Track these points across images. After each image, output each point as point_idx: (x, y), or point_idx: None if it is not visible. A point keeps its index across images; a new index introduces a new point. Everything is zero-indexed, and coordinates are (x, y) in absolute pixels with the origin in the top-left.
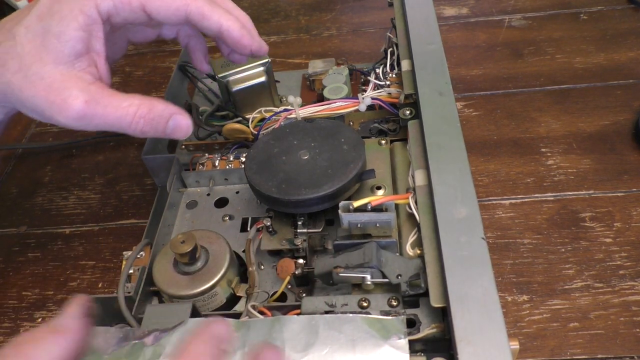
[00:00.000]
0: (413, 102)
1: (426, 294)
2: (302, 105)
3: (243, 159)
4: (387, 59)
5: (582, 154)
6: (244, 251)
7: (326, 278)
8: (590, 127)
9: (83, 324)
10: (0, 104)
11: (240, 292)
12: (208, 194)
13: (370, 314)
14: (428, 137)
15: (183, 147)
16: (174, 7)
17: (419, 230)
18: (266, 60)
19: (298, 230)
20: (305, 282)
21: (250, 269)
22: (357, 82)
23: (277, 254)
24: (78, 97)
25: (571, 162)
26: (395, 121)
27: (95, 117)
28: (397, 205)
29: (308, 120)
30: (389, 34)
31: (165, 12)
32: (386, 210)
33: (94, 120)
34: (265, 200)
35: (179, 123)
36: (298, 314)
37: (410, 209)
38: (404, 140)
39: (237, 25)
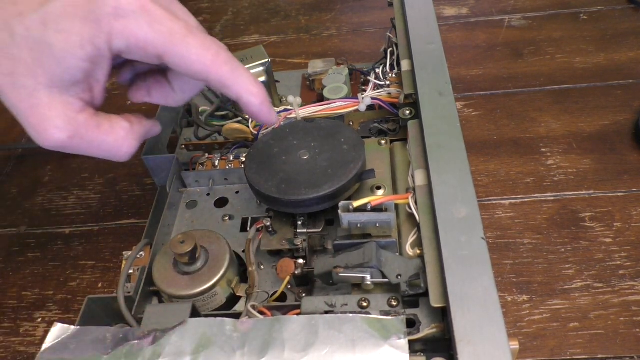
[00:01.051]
0: (413, 102)
1: (426, 294)
2: (302, 105)
3: (243, 159)
4: (387, 59)
5: (582, 154)
6: (244, 251)
7: (326, 278)
8: (590, 127)
9: None
10: None
11: (240, 292)
12: (208, 194)
13: (370, 314)
14: (428, 137)
15: (183, 147)
16: (193, 70)
17: (418, 230)
18: (266, 60)
19: (298, 230)
20: (305, 282)
21: (250, 269)
22: (357, 82)
23: (277, 254)
24: (62, 130)
25: (571, 162)
26: (395, 121)
27: (75, 149)
28: (397, 205)
29: (308, 120)
30: (389, 34)
31: (184, 71)
32: (386, 210)
33: (72, 151)
34: (265, 200)
35: (155, 132)
36: (298, 314)
37: (410, 209)
38: (404, 140)
39: (257, 102)
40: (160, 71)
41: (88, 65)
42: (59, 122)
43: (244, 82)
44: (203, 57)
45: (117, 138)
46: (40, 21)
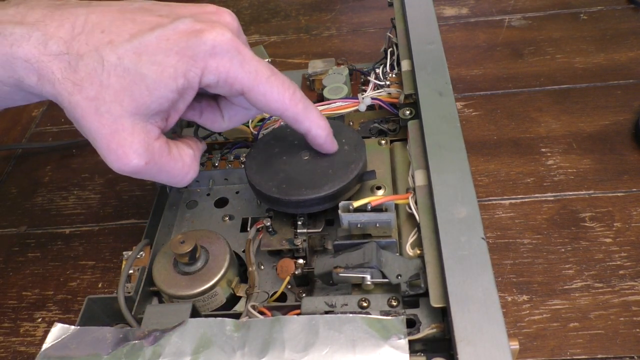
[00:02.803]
0: (413, 102)
1: (426, 294)
2: None
3: (243, 159)
4: (387, 59)
5: (582, 154)
6: (244, 251)
7: (326, 278)
8: (590, 127)
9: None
10: (38, 95)
11: (240, 292)
12: (208, 194)
13: (370, 314)
14: (428, 137)
15: None
16: (272, 107)
17: (419, 230)
18: (266, 60)
19: (298, 231)
20: (305, 282)
21: (250, 269)
22: (357, 82)
23: (277, 254)
24: (141, 156)
25: (571, 162)
26: (395, 121)
27: (148, 175)
28: (397, 205)
29: None
30: (389, 34)
31: (262, 107)
32: (386, 210)
33: (145, 176)
34: (266, 200)
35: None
36: (298, 314)
37: (410, 209)
38: (404, 140)
39: (324, 134)
40: (213, 97)
41: (177, 96)
42: (138, 148)
43: (313, 117)
44: (282, 96)
45: (184, 164)
46: (134, 52)
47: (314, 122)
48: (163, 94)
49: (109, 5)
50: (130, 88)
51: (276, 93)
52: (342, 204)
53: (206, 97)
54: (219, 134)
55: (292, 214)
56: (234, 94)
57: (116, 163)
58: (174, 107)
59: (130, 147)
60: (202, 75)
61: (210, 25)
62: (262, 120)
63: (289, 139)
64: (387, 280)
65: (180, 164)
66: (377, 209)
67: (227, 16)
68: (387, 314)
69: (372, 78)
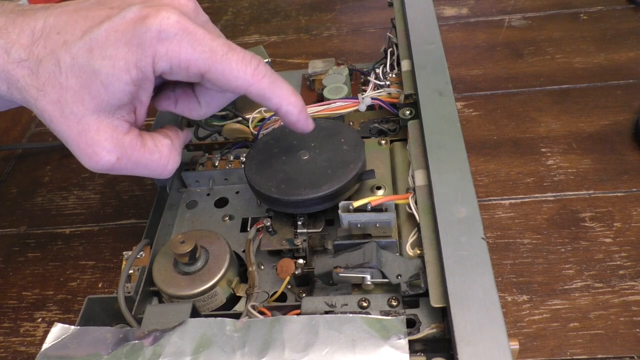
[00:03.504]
0: (413, 102)
1: (426, 294)
2: None
3: (243, 159)
4: (387, 59)
5: (582, 154)
6: (244, 251)
7: (326, 278)
8: (590, 127)
9: None
10: (13, 102)
11: (240, 292)
12: (208, 194)
13: (370, 314)
14: (428, 137)
15: None
16: (234, 85)
17: (419, 230)
18: (266, 60)
19: (298, 230)
20: (305, 282)
21: (250, 269)
22: (357, 82)
23: (277, 254)
24: (111, 152)
25: (571, 162)
26: (395, 121)
27: (123, 170)
28: (397, 205)
29: None
30: (389, 34)
31: (225, 86)
32: (386, 210)
33: (121, 172)
34: (265, 201)
35: (187, 140)
36: (298, 314)
37: (410, 209)
38: (404, 140)
39: (296, 110)
40: (188, 83)
41: (133, 88)
42: (107, 144)
43: (283, 92)
44: (243, 72)
45: (162, 155)
46: (86, 49)
47: (284, 99)
48: (119, 87)
49: (68, 4)
50: (88, 86)
51: (235, 70)
52: (342, 204)
53: (180, 84)
54: (219, 133)
55: (292, 214)
56: (194, 78)
57: (89, 162)
58: (137, 99)
59: (99, 144)
60: (154, 63)
61: (155, 9)
62: (262, 120)
63: (289, 139)
64: (387, 280)
65: (157, 155)
66: (377, 209)
67: None
68: (387, 314)
69: (372, 78)
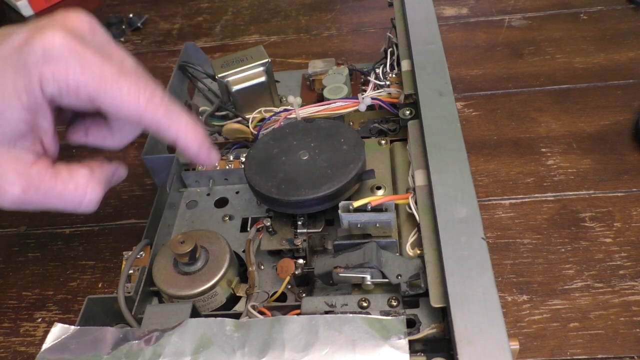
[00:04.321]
0: (413, 102)
1: (426, 294)
2: (302, 105)
3: (243, 159)
4: (387, 59)
5: (582, 154)
6: (244, 251)
7: (326, 278)
8: (590, 127)
9: None
10: None
11: (240, 292)
12: (208, 194)
13: (370, 314)
14: (428, 137)
15: None
16: (126, 113)
17: (419, 230)
18: (266, 60)
19: (298, 231)
20: (305, 282)
21: (250, 269)
22: (357, 82)
23: (277, 254)
24: (14, 184)
25: (571, 162)
26: (395, 121)
27: (34, 202)
28: (397, 205)
29: (308, 120)
30: (389, 34)
31: (117, 114)
32: (386, 210)
33: (33, 205)
34: (265, 201)
35: (120, 175)
36: (298, 314)
37: (410, 209)
38: (404, 140)
39: (194, 145)
40: (99, 112)
41: (28, 115)
42: (10, 177)
43: (180, 124)
44: (135, 99)
45: (77, 186)
46: None
47: (181, 131)
48: (12, 115)
49: None
50: None
51: (126, 96)
52: (342, 204)
53: (91, 114)
54: (219, 133)
55: (292, 214)
56: (85, 104)
57: None
58: (38, 127)
59: (2, 176)
60: (42, 86)
61: (41, 30)
62: (262, 120)
63: (289, 139)
64: (387, 280)
65: (72, 185)
66: (377, 209)
67: (74, 18)
68: (387, 314)
69: (372, 78)
